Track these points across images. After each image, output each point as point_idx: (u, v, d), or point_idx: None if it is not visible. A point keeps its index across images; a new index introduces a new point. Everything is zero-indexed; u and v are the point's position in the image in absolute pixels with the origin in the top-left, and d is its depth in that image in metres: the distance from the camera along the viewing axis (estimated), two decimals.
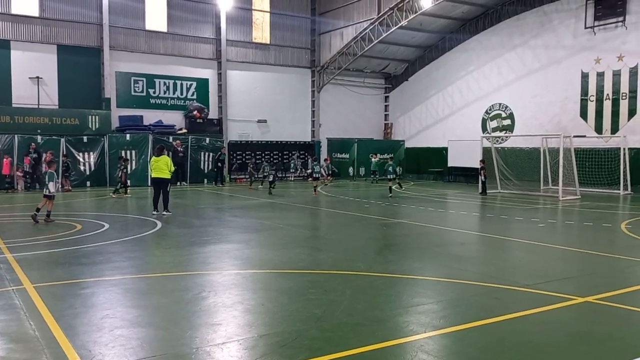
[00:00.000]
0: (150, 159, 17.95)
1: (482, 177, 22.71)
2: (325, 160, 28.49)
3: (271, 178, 23.51)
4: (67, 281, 7.93)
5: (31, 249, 10.40)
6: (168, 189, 16.03)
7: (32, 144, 24.18)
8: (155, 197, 15.86)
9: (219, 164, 27.96)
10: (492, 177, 23.93)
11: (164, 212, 15.45)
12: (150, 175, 16.91)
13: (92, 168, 25.94)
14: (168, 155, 17.04)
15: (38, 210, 13.84)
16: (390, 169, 21.63)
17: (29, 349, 5.28)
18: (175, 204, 16.76)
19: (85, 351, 5.18)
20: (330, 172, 27.81)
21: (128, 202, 19.58)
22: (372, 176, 30.18)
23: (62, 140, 25.27)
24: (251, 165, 27.03)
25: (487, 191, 22.67)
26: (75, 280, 7.96)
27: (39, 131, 25.10)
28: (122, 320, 6.15)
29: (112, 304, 6.83)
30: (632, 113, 23.96)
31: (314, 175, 22.95)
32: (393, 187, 21.75)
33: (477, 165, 23.39)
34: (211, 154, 28.75)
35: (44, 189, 14.41)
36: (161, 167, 15.69)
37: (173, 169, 16.30)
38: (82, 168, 25.86)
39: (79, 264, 9.11)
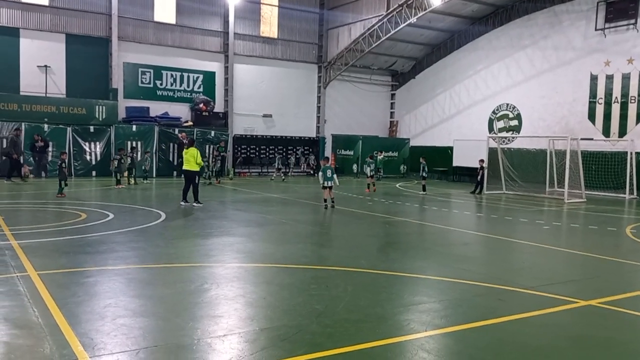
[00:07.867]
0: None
1: (479, 177, 23.18)
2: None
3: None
4: (71, 269, 7.96)
5: (36, 236, 10.46)
6: (197, 182, 16.20)
7: (36, 134, 24.28)
8: (184, 188, 16.15)
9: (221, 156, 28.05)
10: (497, 178, 23.88)
11: (194, 204, 15.68)
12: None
13: (98, 158, 26.08)
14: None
15: (333, 200, 16.46)
16: (426, 169, 22.95)
17: (32, 336, 5.31)
18: (179, 197, 16.74)
19: (88, 339, 5.20)
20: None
21: (134, 193, 19.62)
22: (377, 174, 30.15)
23: (69, 129, 25.39)
24: (278, 158, 28.26)
25: (482, 192, 22.85)
26: (79, 269, 8.00)
27: (45, 120, 25.17)
28: (125, 310, 6.17)
29: (115, 293, 6.85)
30: None
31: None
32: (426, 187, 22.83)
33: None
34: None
35: (326, 182, 16.28)
36: (188, 159, 15.86)
37: (201, 162, 16.30)
38: (88, 158, 25.99)
39: (83, 252, 9.15)
